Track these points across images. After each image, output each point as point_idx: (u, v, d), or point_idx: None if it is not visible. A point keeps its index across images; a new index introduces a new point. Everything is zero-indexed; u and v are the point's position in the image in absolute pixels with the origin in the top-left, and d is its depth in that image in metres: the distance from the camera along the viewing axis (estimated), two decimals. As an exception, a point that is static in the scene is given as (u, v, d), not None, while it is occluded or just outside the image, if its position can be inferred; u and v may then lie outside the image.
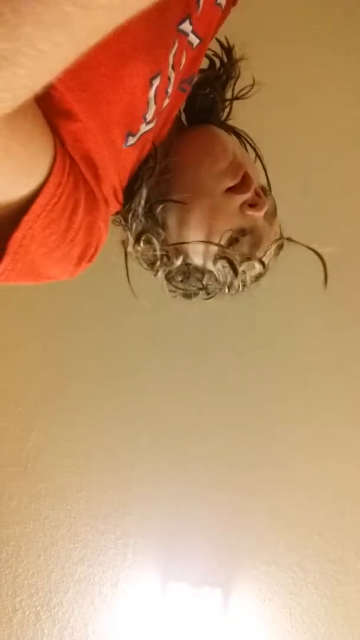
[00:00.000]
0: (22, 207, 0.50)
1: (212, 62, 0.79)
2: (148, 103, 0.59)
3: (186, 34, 0.63)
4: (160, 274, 0.74)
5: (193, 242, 0.69)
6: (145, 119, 0.60)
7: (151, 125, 0.62)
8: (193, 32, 0.65)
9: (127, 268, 0.75)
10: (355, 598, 1.49)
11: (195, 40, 0.66)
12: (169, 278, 0.74)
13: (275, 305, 1.64)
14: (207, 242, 0.69)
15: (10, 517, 1.46)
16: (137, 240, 0.69)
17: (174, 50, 0.61)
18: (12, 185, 0.48)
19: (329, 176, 1.69)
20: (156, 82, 0.59)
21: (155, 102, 0.60)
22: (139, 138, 0.61)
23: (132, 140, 0.60)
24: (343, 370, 1.61)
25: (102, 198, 0.59)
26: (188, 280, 0.76)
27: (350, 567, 1.51)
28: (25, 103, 0.38)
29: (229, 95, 0.81)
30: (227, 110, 0.81)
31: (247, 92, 0.80)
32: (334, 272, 1.68)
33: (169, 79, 0.62)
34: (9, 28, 0.31)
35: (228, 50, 0.78)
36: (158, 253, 0.70)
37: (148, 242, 0.69)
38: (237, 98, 0.80)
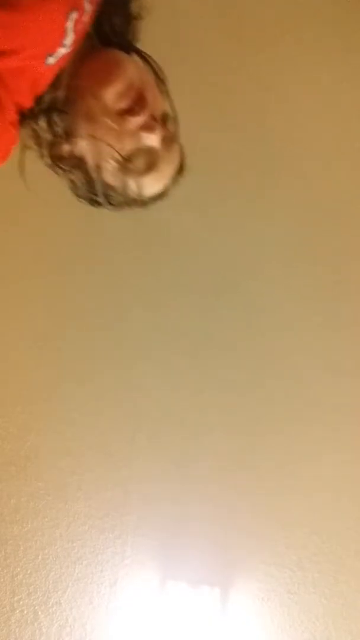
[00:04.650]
0: None
1: None
2: (66, 31, 0.69)
3: None
4: (46, 154, 0.80)
5: (88, 138, 0.77)
6: (64, 44, 0.70)
7: (69, 49, 0.72)
8: None
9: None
10: (353, 597, 1.49)
11: None
12: (52, 156, 0.80)
13: (275, 305, 1.64)
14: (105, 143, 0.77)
15: (8, 516, 1.46)
16: (37, 118, 0.77)
17: None
18: None
19: (327, 178, 1.69)
20: (74, 16, 0.69)
21: (74, 31, 0.70)
22: (58, 58, 0.71)
23: (51, 60, 0.70)
24: (343, 370, 1.61)
25: (8, 103, 0.70)
26: (73, 171, 0.82)
27: (348, 566, 1.51)
28: None
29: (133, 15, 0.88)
30: (134, 30, 0.88)
31: (144, 12, 0.88)
32: (334, 272, 1.69)
33: (85, 7, 0.73)
34: None
35: None
36: (51, 133, 0.77)
37: (49, 123, 0.77)
38: (135, 18, 0.88)
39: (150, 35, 1.60)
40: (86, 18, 0.74)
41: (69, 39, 0.70)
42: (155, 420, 1.56)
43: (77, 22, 0.71)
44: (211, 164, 1.65)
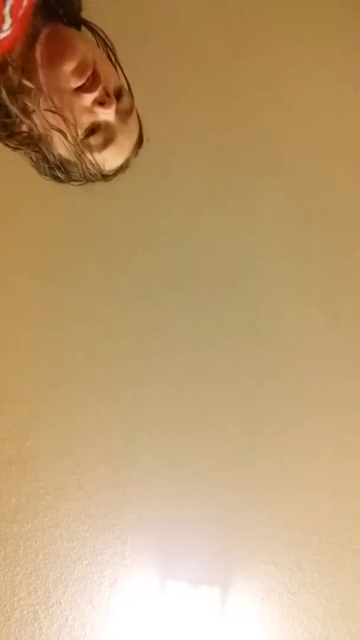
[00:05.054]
0: None
1: None
2: (4, 17, 0.69)
3: None
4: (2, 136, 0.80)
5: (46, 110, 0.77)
6: (2, 29, 0.70)
7: (8, 32, 0.71)
8: None
9: None
10: (353, 597, 1.49)
11: None
12: (9, 137, 0.81)
13: (276, 304, 1.64)
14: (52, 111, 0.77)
15: (8, 515, 1.46)
16: None
17: None
18: None
19: (327, 177, 1.69)
20: (10, 2, 0.68)
21: (11, 16, 0.70)
22: None
23: None
24: (342, 370, 1.61)
25: None
26: (30, 151, 0.83)
27: (348, 566, 1.51)
28: None
29: None
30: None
31: None
32: (334, 271, 1.69)
33: None
34: None
35: None
36: (12, 111, 0.77)
37: (3, 105, 0.77)
38: None
39: (150, 36, 1.61)
40: (26, 2, 0.73)
41: (7, 24, 0.70)
42: (155, 420, 1.56)
43: (14, 6, 0.70)
44: (211, 163, 1.65)
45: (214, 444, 1.56)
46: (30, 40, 0.78)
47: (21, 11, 0.72)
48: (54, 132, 0.79)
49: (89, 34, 0.86)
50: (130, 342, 1.59)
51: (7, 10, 0.69)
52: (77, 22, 0.86)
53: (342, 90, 1.72)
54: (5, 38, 0.72)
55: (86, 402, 1.55)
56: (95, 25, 0.87)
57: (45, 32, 0.80)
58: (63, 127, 0.78)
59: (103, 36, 0.87)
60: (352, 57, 1.72)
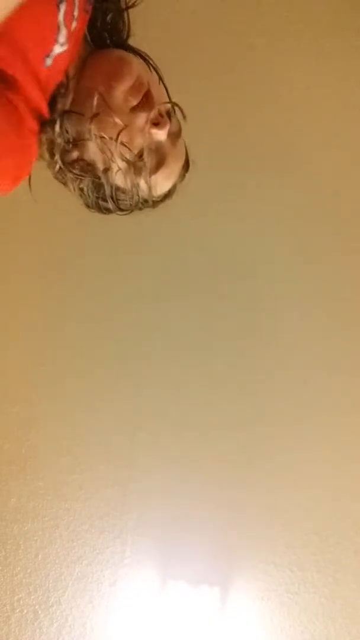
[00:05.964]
0: None
1: None
2: (58, 26, 0.68)
3: None
4: (58, 159, 0.79)
5: (94, 139, 0.76)
6: (57, 41, 0.69)
7: (65, 47, 0.70)
8: None
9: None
10: (353, 597, 1.49)
11: None
12: (64, 162, 0.79)
13: (276, 303, 1.64)
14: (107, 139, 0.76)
15: (8, 515, 1.46)
16: (50, 125, 0.75)
17: None
18: None
19: (327, 177, 1.69)
20: (63, 7, 0.68)
21: (65, 26, 0.69)
22: (54, 59, 0.70)
23: (49, 62, 0.69)
24: (342, 370, 1.61)
25: (26, 111, 0.69)
26: (84, 177, 0.82)
27: (348, 566, 1.51)
28: None
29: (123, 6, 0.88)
30: (127, 28, 0.87)
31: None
32: (335, 270, 1.69)
33: (74, 2, 0.71)
34: None
35: None
36: (63, 139, 0.76)
37: (61, 129, 0.76)
38: (129, 7, 0.87)
39: (149, 35, 1.60)
40: (77, 13, 0.72)
41: (62, 35, 0.69)
42: (155, 420, 1.56)
43: (67, 15, 0.69)
44: (211, 163, 1.65)
45: (214, 444, 1.56)
46: (82, 62, 0.78)
47: (74, 24, 0.71)
48: (107, 155, 0.77)
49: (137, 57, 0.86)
50: (130, 342, 1.59)
51: (61, 17, 0.67)
52: (124, 48, 0.85)
53: (342, 90, 1.72)
54: (62, 54, 0.70)
55: (86, 402, 1.55)
56: (142, 51, 0.87)
57: (95, 55, 0.80)
58: (116, 149, 0.76)
59: (151, 61, 0.87)
60: (353, 57, 1.72)
